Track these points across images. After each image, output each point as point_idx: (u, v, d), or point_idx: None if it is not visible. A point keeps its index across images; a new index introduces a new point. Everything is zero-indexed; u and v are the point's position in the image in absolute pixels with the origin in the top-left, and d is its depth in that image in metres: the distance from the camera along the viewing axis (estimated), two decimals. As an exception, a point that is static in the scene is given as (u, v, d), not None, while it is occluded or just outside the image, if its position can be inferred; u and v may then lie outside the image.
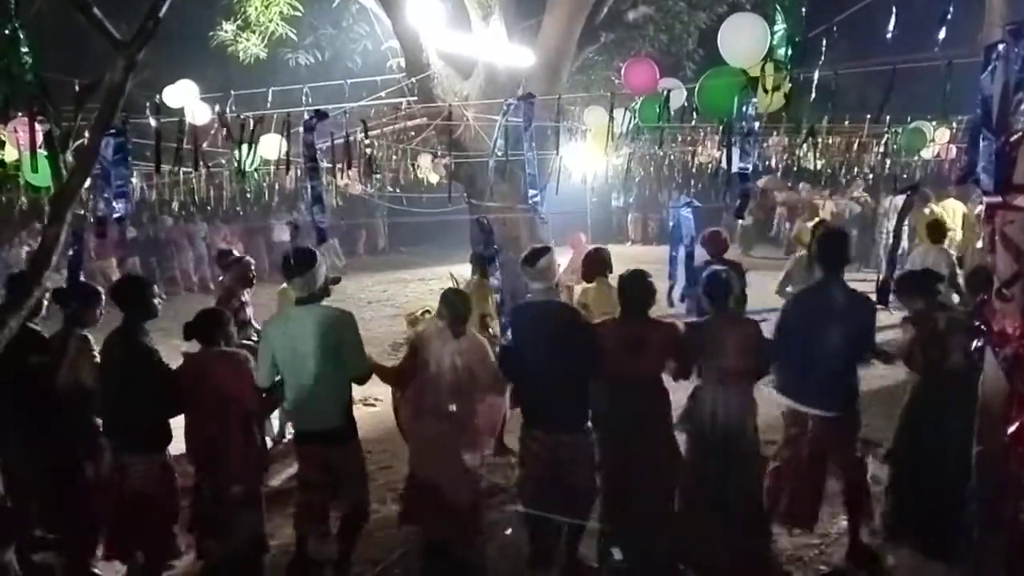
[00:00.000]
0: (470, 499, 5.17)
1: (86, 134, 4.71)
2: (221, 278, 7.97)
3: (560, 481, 4.97)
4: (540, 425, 5.01)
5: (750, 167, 4.92)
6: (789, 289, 7.59)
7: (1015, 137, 3.81)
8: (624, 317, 5.09)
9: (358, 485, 5.18)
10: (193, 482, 5.17)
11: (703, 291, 5.21)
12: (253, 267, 7.86)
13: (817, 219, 11.79)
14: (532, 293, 5.14)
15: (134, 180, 10.96)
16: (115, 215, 4.60)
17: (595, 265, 7.28)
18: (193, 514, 5.15)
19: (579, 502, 5.10)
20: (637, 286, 5.09)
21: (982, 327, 3.91)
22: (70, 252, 4.71)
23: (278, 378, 5.02)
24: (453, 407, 5.01)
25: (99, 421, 5.22)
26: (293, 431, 5.17)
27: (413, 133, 12.48)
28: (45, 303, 5.32)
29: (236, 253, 8.17)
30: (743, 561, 5.12)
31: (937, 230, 9.33)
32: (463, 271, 10.65)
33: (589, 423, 5.06)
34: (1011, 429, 3.71)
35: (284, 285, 7.86)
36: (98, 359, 5.13)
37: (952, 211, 14.03)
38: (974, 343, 4.28)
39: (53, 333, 5.21)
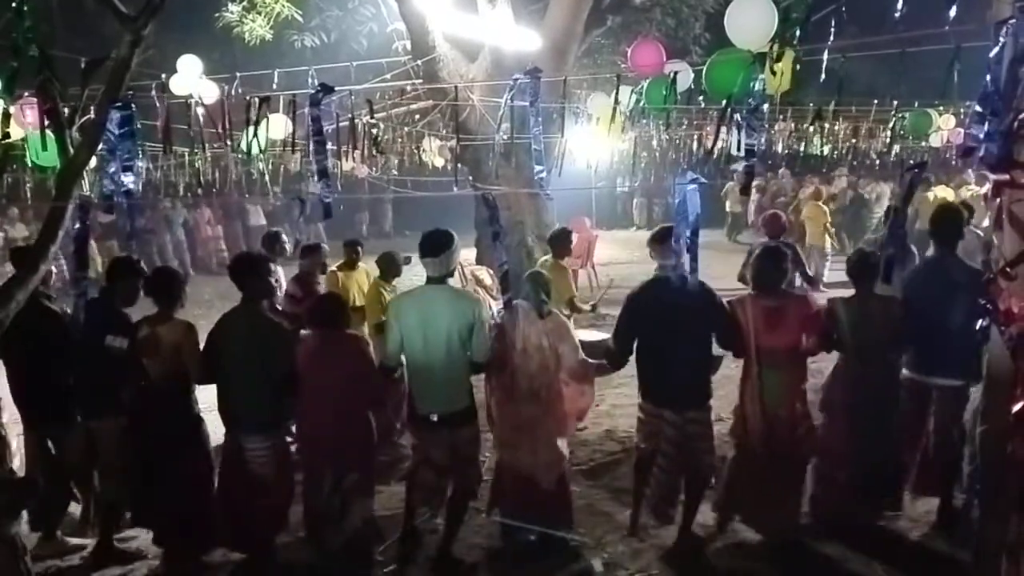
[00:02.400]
0: (559, 481, 5.19)
1: (92, 109, 4.75)
2: (300, 263, 7.82)
3: (689, 457, 5.07)
4: (667, 403, 5.05)
5: (756, 144, 4.89)
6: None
7: (1023, 115, 3.79)
8: (759, 293, 5.16)
9: (474, 465, 5.13)
10: (304, 466, 5.15)
11: (849, 271, 5.38)
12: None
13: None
14: (658, 270, 5.17)
15: (139, 162, 10.99)
16: (123, 188, 4.59)
17: (556, 244, 7.76)
18: (305, 500, 5.12)
19: (703, 476, 5.20)
20: (773, 263, 5.17)
21: (988, 306, 3.89)
22: (76, 226, 4.71)
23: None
24: (541, 389, 5.05)
25: (200, 405, 5.14)
26: (414, 411, 5.04)
27: (418, 116, 12.47)
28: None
29: (284, 238, 7.98)
30: (875, 531, 5.33)
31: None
32: (468, 255, 10.65)
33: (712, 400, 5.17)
34: (1016, 408, 3.70)
35: (333, 268, 8.00)
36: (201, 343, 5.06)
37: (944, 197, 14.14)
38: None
39: (142, 318, 5.10)
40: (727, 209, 21.41)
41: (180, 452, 4.94)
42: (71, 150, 4.45)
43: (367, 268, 8.10)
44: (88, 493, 5.60)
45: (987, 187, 4.77)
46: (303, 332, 5.52)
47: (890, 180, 18.24)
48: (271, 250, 7.63)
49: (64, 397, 5.25)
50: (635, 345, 5.16)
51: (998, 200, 3.85)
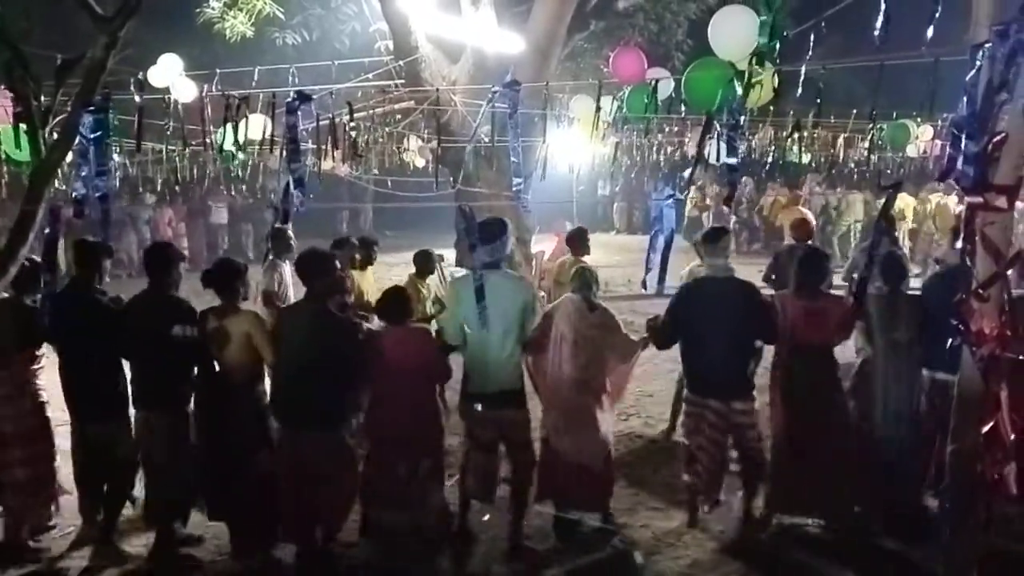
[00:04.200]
0: (604, 467, 5.37)
1: (68, 109, 4.69)
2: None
3: (736, 447, 5.32)
4: (713, 394, 5.26)
5: (737, 160, 4.94)
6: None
7: (997, 138, 3.82)
8: (800, 292, 5.45)
9: (527, 449, 5.26)
10: (370, 457, 5.15)
11: (880, 271, 5.54)
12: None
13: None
14: (709, 269, 5.47)
15: (116, 157, 10.88)
16: (96, 194, 4.54)
17: (576, 243, 7.66)
18: (371, 490, 5.11)
19: (756, 463, 5.37)
20: (815, 265, 5.55)
21: (960, 326, 3.93)
22: (46, 230, 4.64)
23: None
24: (591, 379, 5.25)
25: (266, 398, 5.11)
26: (467, 392, 5.14)
27: (400, 116, 12.42)
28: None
29: (291, 234, 7.54)
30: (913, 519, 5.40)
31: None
32: (449, 255, 10.62)
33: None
34: (985, 429, 3.74)
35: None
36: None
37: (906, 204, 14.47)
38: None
39: (207, 308, 5.06)
40: (686, 213, 21.52)
41: (250, 442, 4.95)
42: (43, 151, 4.40)
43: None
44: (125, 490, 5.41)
45: (954, 198, 4.83)
46: (370, 327, 5.55)
47: (860, 189, 18.49)
48: (278, 247, 7.55)
49: (113, 390, 5.13)
50: (681, 337, 5.43)
51: (972, 222, 3.89)
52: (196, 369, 5.04)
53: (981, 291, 3.86)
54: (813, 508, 5.45)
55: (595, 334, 5.27)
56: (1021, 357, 3.94)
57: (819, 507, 5.43)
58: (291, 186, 4.80)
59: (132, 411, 5.16)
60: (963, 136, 3.78)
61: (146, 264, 5.15)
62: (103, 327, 5.02)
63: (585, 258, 7.55)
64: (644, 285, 6.45)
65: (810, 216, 15.04)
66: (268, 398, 5.05)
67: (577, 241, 7.95)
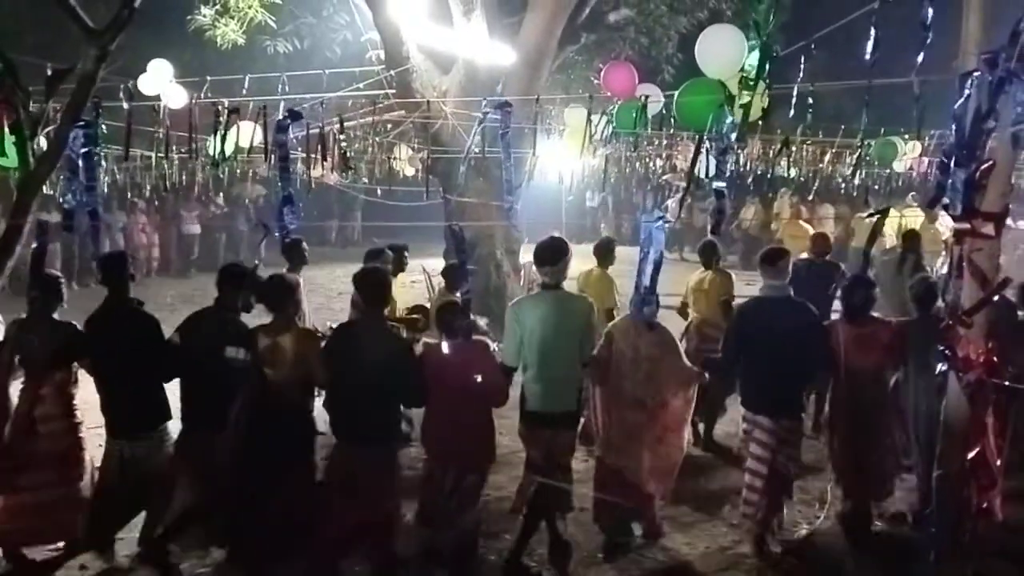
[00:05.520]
0: (659, 484, 5.43)
1: (58, 118, 4.66)
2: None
3: (776, 462, 5.38)
4: (763, 410, 5.38)
5: (725, 184, 4.97)
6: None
7: (985, 165, 3.86)
8: (851, 317, 5.63)
9: (568, 474, 5.22)
10: (425, 470, 5.14)
11: (913, 296, 5.69)
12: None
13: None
14: (768, 290, 5.58)
15: (103, 163, 10.83)
16: (86, 208, 4.51)
17: (602, 254, 7.71)
18: (425, 502, 5.07)
19: (787, 481, 5.48)
20: (861, 291, 5.67)
21: (946, 352, 3.96)
22: (34, 244, 4.60)
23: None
24: (647, 397, 5.28)
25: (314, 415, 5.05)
26: (524, 411, 5.14)
27: (390, 125, 12.40)
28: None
29: (305, 245, 7.48)
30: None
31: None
32: (436, 265, 10.59)
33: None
34: (971, 454, 3.77)
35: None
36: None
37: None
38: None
39: (258, 326, 5.00)
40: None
41: (298, 462, 4.88)
42: (32, 162, 4.36)
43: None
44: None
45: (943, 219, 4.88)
46: (426, 341, 5.50)
47: (835, 203, 18.64)
48: (291, 258, 7.49)
49: (156, 406, 5.11)
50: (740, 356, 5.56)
51: (959, 248, 3.92)
52: (245, 388, 4.90)
53: (967, 317, 3.89)
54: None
55: (654, 353, 5.31)
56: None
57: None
58: (283, 204, 4.76)
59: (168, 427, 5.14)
60: (952, 163, 3.80)
61: (218, 281, 5.10)
62: (148, 341, 4.97)
63: (609, 270, 7.56)
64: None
65: (810, 230, 15.21)
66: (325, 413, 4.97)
67: (603, 252, 7.98)
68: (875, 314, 5.75)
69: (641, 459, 5.28)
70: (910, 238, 8.76)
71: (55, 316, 5.05)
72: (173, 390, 5.14)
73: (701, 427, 7.33)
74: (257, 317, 5.15)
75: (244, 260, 18.09)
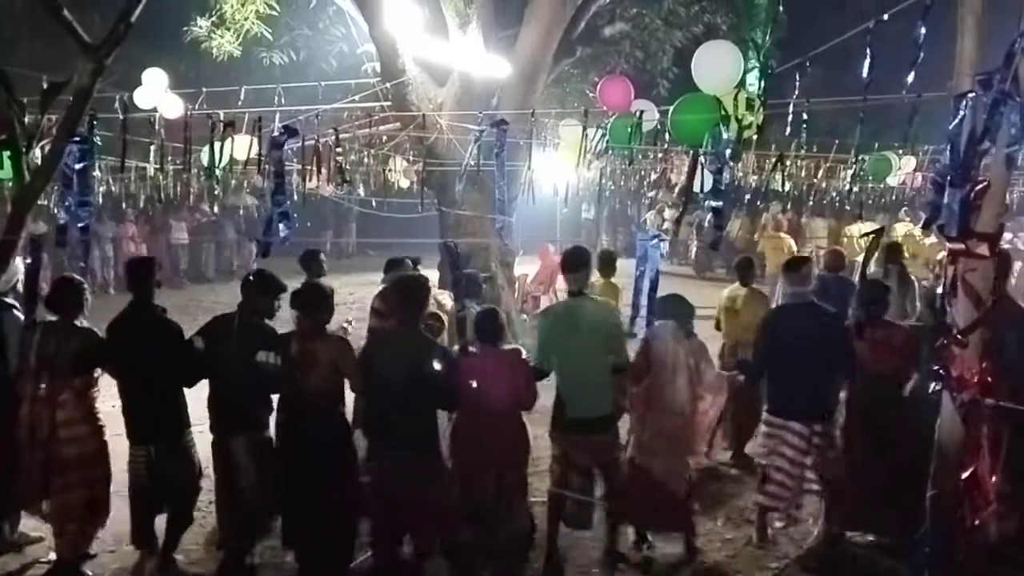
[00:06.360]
0: (684, 492, 5.54)
1: (53, 131, 4.64)
2: (385, 278, 7.31)
3: (815, 467, 5.46)
4: (796, 416, 5.47)
5: (722, 203, 5.01)
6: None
7: (980, 186, 3.87)
8: (868, 321, 5.72)
9: (618, 467, 5.40)
10: (463, 473, 5.18)
11: (927, 303, 5.94)
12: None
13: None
14: (792, 297, 5.74)
15: (97, 173, 10.80)
16: (79, 224, 4.49)
17: (604, 264, 8.01)
18: (468, 502, 5.13)
19: (836, 481, 5.52)
20: (876, 297, 5.83)
21: (940, 372, 3.96)
22: (27, 260, 4.57)
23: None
24: (685, 403, 5.46)
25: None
26: (562, 417, 5.23)
27: (386, 137, 12.40)
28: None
29: (323, 256, 7.81)
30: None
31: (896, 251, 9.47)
32: (432, 276, 10.57)
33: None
34: (965, 474, 3.76)
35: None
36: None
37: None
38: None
39: (290, 331, 5.08)
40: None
41: (334, 466, 4.92)
42: (27, 176, 4.34)
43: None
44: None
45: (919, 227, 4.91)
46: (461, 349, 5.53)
47: (824, 215, 18.73)
48: (309, 269, 7.48)
49: (177, 411, 5.13)
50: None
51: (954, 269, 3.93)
52: (278, 393, 5.00)
53: (961, 337, 3.90)
54: (879, 527, 5.63)
55: (690, 361, 5.48)
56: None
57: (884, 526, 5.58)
58: (275, 219, 4.75)
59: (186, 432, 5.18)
60: (947, 183, 3.81)
61: (245, 287, 5.16)
62: (172, 346, 5.01)
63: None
64: (632, 330, 6.68)
65: (791, 242, 15.25)
66: (355, 419, 5.14)
67: (604, 263, 8.25)
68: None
69: (671, 461, 5.45)
70: (891, 251, 8.78)
71: (78, 323, 5.06)
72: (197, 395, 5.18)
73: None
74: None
75: (236, 269, 17.90)
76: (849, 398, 5.76)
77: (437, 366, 4.83)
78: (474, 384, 5.03)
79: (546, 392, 5.32)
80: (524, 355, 5.27)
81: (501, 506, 5.11)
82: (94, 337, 5.07)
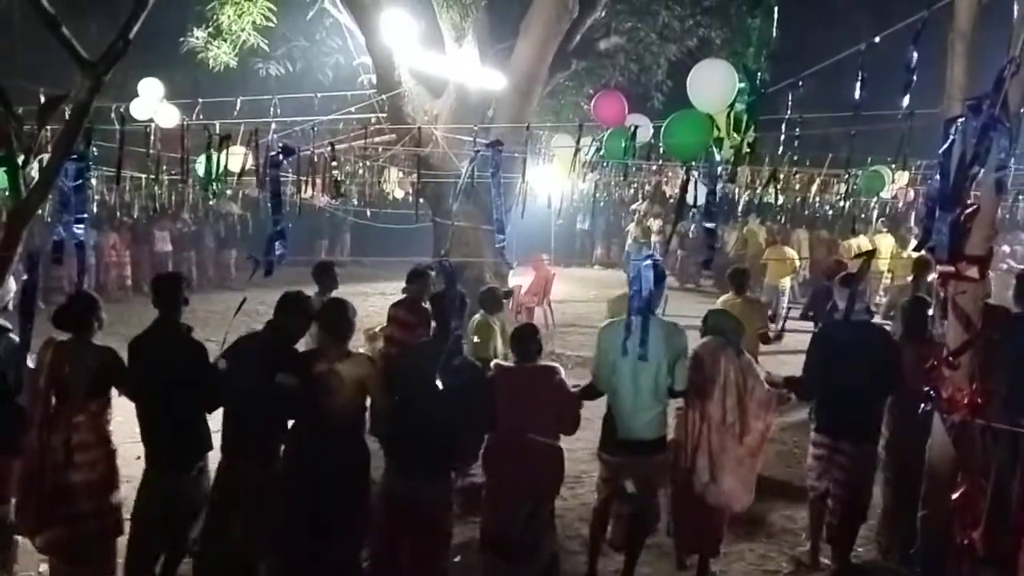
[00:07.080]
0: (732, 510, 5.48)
1: (49, 146, 4.64)
2: (407, 288, 7.39)
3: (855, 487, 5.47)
4: (846, 435, 5.46)
5: (715, 223, 5.04)
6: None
7: (970, 209, 3.90)
8: (911, 337, 5.74)
9: (656, 496, 5.30)
10: (494, 500, 5.06)
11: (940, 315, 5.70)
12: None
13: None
14: (845, 313, 5.54)
15: (93, 181, 10.82)
16: (75, 241, 4.49)
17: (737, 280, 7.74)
18: (492, 534, 5.00)
19: (863, 506, 5.55)
20: (921, 311, 5.83)
21: (931, 393, 3.99)
22: (24, 277, 4.56)
23: None
24: (736, 421, 5.35)
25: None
26: (613, 438, 5.15)
27: (381, 148, 12.43)
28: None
29: (336, 269, 7.73)
30: None
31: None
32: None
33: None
34: (956, 495, 3.79)
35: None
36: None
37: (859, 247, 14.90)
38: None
39: (312, 350, 4.96)
40: (626, 248, 21.61)
41: (352, 493, 4.71)
42: (23, 192, 4.34)
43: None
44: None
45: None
46: (498, 363, 5.36)
47: (804, 226, 18.83)
48: (321, 282, 7.39)
49: (201, 436, 4.92)
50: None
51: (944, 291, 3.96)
52: (295, 417, 4.77)
53: (952, 359, 3.93)
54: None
55: (741, 379, 5.40)
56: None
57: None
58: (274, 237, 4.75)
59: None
60: (937, 207, 3.85)
61: (286, 308, 4.86)
62: (197, 369, 4.79)
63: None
64: (624, 350, 6.75)
65: (794, 255, 15.35)
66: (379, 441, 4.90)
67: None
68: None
69: (722, 481, 5.33)
70: (919, 266, 8.75)
71: (93, 340, 4.85)
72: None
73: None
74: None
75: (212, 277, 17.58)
76: (890, 415, 5.70)
77: (473, 383, 4.67)
78: (508, 402, 4.85)
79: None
80: (561, 371, 5.08)
81: (528, 536, 4.91)
82: (113, 356, 4.85)
